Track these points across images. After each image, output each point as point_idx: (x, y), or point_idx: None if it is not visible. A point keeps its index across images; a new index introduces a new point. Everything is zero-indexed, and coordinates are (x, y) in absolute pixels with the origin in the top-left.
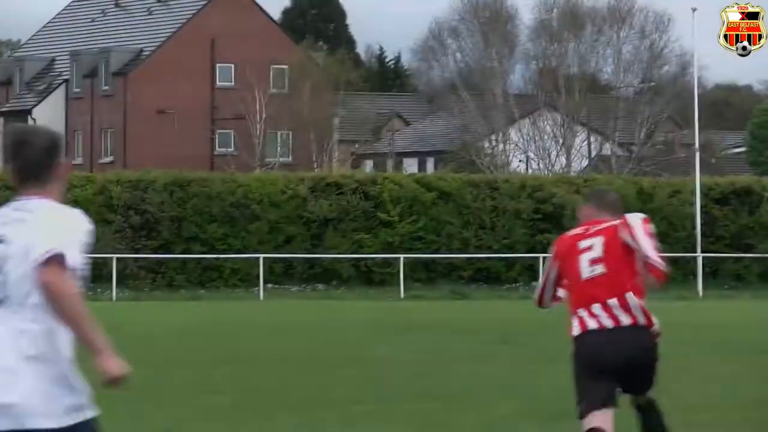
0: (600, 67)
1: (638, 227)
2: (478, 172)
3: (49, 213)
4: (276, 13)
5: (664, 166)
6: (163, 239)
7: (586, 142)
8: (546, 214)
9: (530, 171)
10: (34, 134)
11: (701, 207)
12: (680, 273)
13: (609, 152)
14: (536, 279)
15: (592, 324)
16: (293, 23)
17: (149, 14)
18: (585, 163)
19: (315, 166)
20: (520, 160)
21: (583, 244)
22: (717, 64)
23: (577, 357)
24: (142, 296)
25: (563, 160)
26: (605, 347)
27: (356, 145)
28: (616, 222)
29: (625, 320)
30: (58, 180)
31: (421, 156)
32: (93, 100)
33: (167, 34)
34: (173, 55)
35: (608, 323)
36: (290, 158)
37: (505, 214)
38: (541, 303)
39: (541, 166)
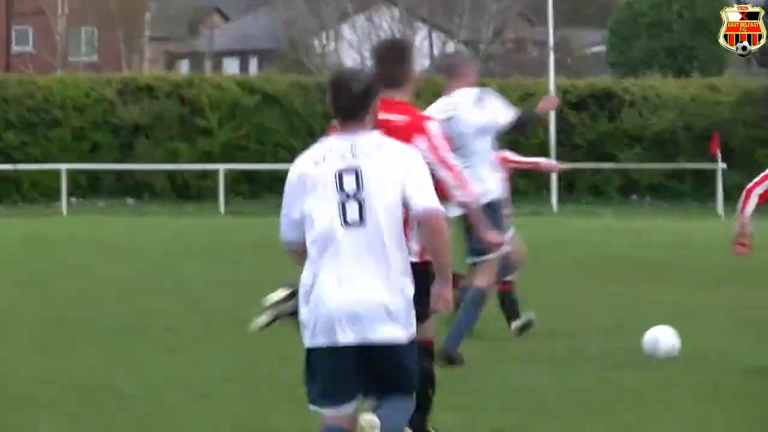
0: None
1: None
2: (307, 74)
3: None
4: None
5: (515, 67)
6: None
7: (427, 41)
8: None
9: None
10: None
11: (557, 112)
12: (532, 186)
13: (453, 49)
14: None
15: None
16: None
17: None
18: (427, 63)
19: (124, 67)
20: (353, 60)
21: None
22: None
23: None
24: None
25: None
26: None
27: (170, 44)
28: None
29: None
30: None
31: (243, 55)
32: None
33: None
34: None
35: None
36: (96, 58)
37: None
38: None
39: None
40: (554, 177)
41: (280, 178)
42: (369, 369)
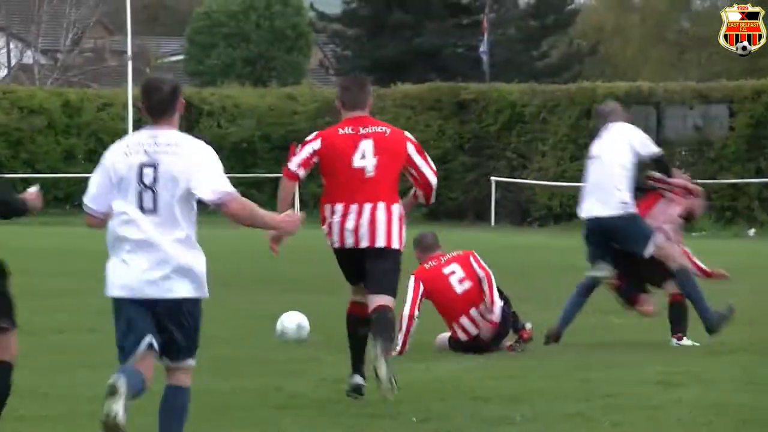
0: None
1: None
2: None
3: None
4: None
5: (93, 76)
6: None
7: (5, 50)
8: None
9: None
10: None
11: (134, 122)
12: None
13: (31, 60)
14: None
15: None
16: None
17: None
18: (4, 72)
19: None
20: None
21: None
22: None
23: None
24: None
25: None
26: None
27: None
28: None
29: None
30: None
31: None
32: None
33: None
34: None
35: None
36: None
37: None
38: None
39: None
40: None
41: None
42: (157, 319)
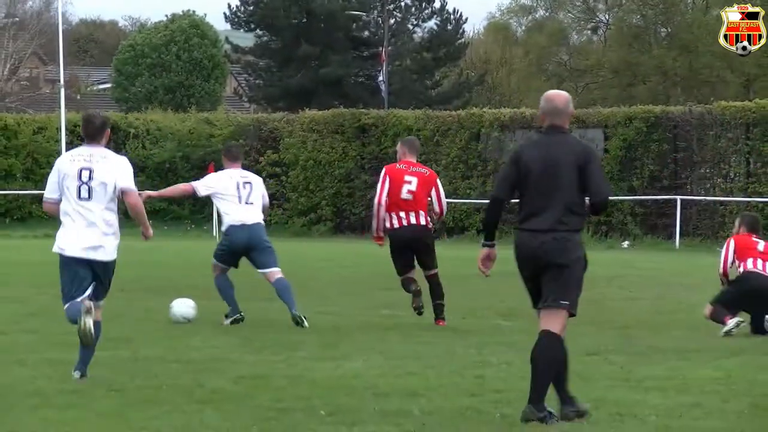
0: None
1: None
2: None
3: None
4: None
5: (29, 103)
6: None
7: None
8: None
9: None
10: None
11: (67, 144)
12: None
13: None
14: None
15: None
16: None
17: None
18: None
19: None
20: None
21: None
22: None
23: (392, 240)
24: None
25: None
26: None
27: None
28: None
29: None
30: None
31: None
32: None
33: None
34: None
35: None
36: None
37: None
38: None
39: None
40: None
41: None
42: (94, 272)
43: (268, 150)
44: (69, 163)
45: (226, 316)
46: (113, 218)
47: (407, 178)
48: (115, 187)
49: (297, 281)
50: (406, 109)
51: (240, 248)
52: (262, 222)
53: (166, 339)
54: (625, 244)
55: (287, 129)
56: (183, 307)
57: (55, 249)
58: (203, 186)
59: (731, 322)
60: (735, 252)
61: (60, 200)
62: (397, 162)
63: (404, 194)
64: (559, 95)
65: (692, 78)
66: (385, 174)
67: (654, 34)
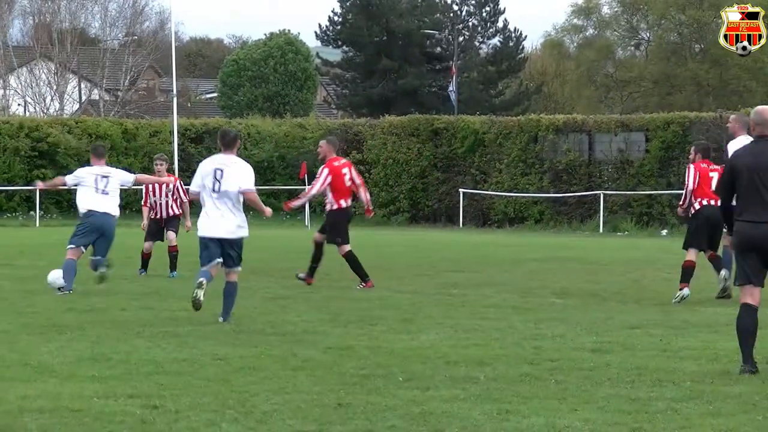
0: (89, 22)
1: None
2: None
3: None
4: None
5: (146, 110)
6: None
7: (77, 89)
8: (41, 152)
9: (28, 114)
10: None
11: (179, 145)
12: None
13: (98, 97)
14: (33, 209)
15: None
16: None
17: None
18: (76, 106)
19: None
20: (18, 104)
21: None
22: (192, 19)
23: (346, 218)
24: None
25: (57, 104)
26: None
27: None
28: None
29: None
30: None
31: None
32: None
33: None
34: None
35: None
36: None
37: (6, 152)
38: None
39: (38, 109)
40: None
41: None
42: (218, 249)
43: (353, 150)
44: (208, 164)
45: (60, 289)
46: (238, 208)
47: (344, 170)
48: (238, 186)
49: (379, 264)
50: (473, 115)
51: (94, 232)
52: (113, 213)
53: (265, 314)
54: (664, 232)
55: (370, 132)
56: (52, 275)
57: (198, 232)
58: (71, 177)
59: (680, 294)
60: (695, 182)
61: (199, 193)
62: (327, 160)
63: (347, 183)
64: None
65: (722, 88)
66: (329, 171)
67: (689, 50)
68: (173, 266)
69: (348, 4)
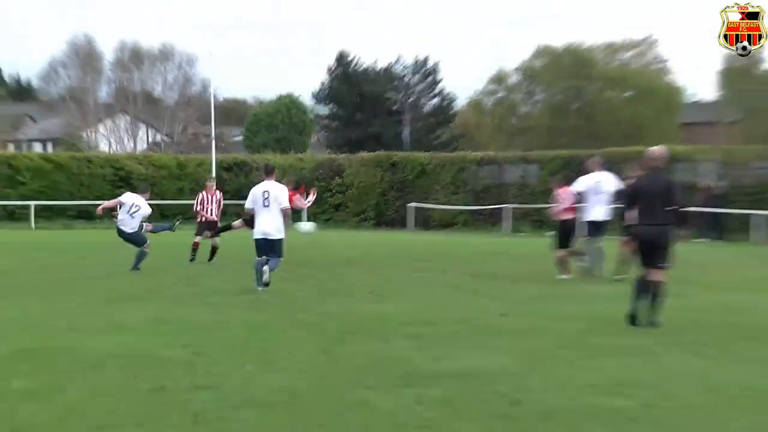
0: (153, 87)
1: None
2: (79, 152)
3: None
4: None
5: (193, 148)
6: None
7: (146, 134)
8: (121, 177)
9: (111, 151)
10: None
11: (216, 172)
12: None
13: (159, 140)
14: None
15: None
16: None
17: None
18: (145, 146)
19: None
20: (104, 144)
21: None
22: (226, 83)
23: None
24: None
25: (132, 144)
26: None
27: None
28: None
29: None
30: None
31: (44, 141)
32: None
33: None
34: None
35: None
36: None
37: (96, 177)
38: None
39: (118, 148)
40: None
41: (65, 209)
42: (266, 247)
43: (336, 176)
44: (258, 189)
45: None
46: (279, 217)
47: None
48: (279, 203)
49: (353, 256)
50: (420, 152)
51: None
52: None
53: (275, 291)
54: (549, 233)
55: (348, 164)
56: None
57: (253, 235)
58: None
59: (563, 277)
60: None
61: (253, 208)
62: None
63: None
64: (658, 150)
65: (591, 133)
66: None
67: (569, 107)
68: (212, 257)
69: (333, 75)
